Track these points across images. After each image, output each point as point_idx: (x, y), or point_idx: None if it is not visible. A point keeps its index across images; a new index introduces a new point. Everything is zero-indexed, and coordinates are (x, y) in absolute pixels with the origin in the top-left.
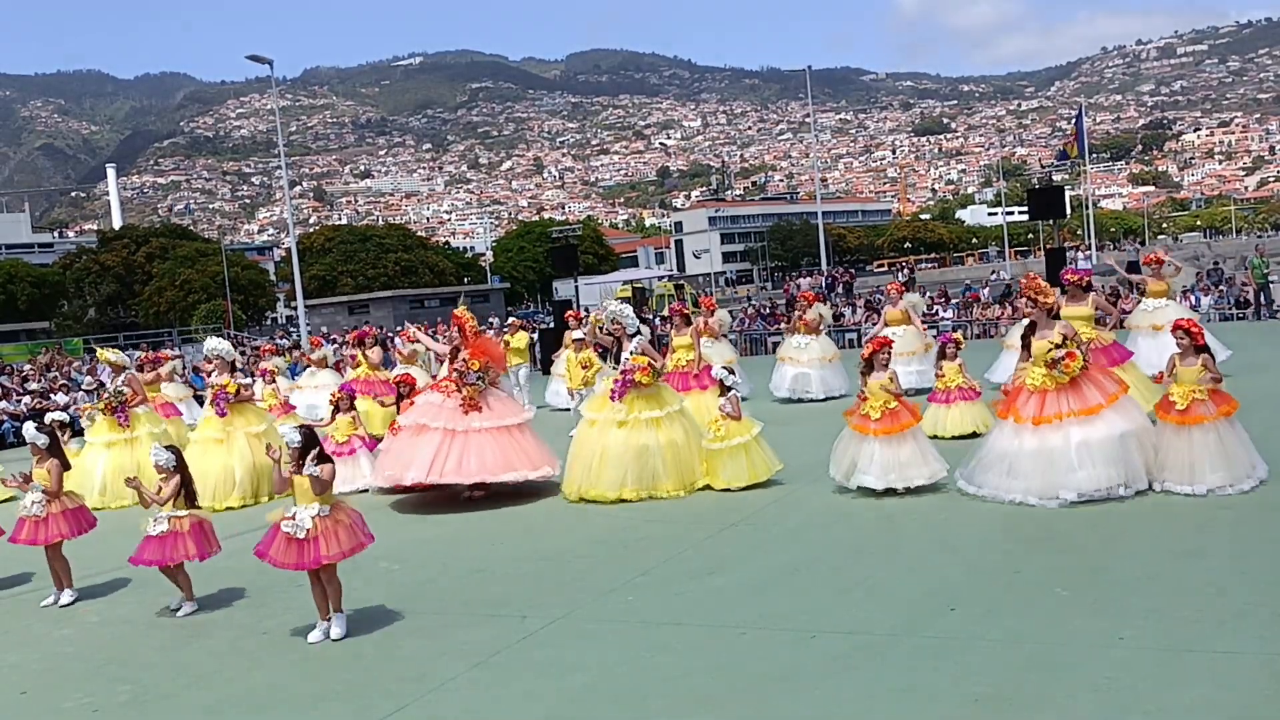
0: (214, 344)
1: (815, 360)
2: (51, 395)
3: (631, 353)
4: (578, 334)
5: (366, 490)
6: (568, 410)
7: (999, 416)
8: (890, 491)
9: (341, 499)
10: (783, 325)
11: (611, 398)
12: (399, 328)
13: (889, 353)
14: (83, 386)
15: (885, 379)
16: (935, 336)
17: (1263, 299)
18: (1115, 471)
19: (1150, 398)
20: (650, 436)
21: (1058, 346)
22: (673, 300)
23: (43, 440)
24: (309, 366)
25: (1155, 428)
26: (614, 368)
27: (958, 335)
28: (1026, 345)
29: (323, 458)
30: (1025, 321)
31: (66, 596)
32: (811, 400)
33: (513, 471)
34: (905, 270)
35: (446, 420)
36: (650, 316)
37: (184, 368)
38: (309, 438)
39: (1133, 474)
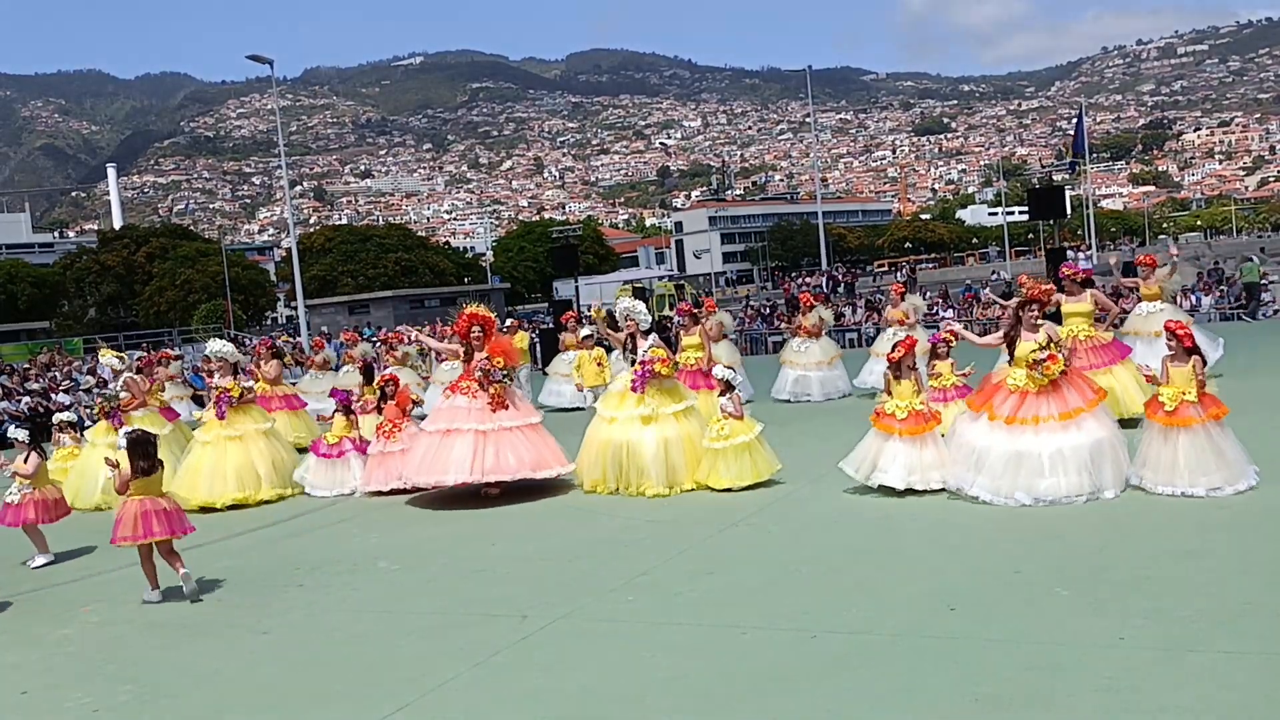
0: (217, 346)
1: (814, 364)
2: (52, 395)
3: (649, 347)
4: (586, 331)
5: (354, 493)
6: (570, 410)
7: (971, 409)
8: (910, 491)
9: (173, 497)
10: (782, 325)
11: (633, 389)
12: (373, 329)
13: (914, 355)
14: (81, 387)
15: (911, 381)
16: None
17: (1256, 298)
18: (1084, 480)
19: (1143, 398)
20: (672, 429)
21: (1041, 348)
22: (673, 300)
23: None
24: (311, 369)
25: (1142, 427)
26: (630, 363)
27: (951, 332)
28: (1011, 347)
29: (137, 457)
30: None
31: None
32: (812, 402)
33: (547, 469)
34: (905, 270)
35: (476, 421)
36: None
37: (183, 368)
38: (133, 442)
39: (1101, 482)
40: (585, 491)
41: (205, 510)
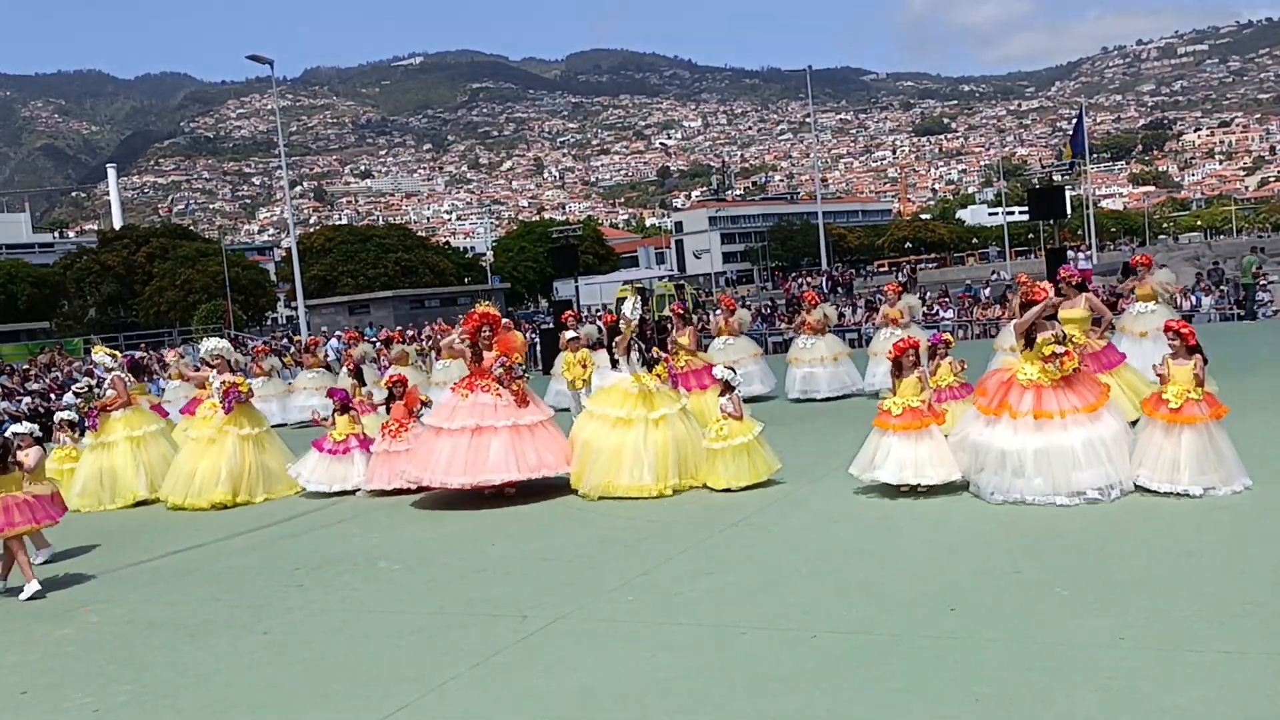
0: (212, 344)
1: (820, 359)
2: (53, 395)
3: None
4: (571, 334)
5: (357, 490)
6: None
7: (986, 413)
8: (910, 491)
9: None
10: (783, 325)
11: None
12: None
13: (916, 354)
14: (73, 388)
15: (914, 379)
16: (929, 337)
17: (1251, 298)
18: (1114, 470)
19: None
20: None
21: (1058, 342)
22: (674, 300)
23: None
24: (308, 367)
25: (1140, 425)
26: (642, 363)
27: (947, 335)
28: (1030, 344)
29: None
30: (1015, 323)
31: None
32: (821, 399)
33: (565, 465)
34: (906, 270)
35: (508, 417)
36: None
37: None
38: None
39: (1124, 475)
40: (651, 498)
41: (179, 509)
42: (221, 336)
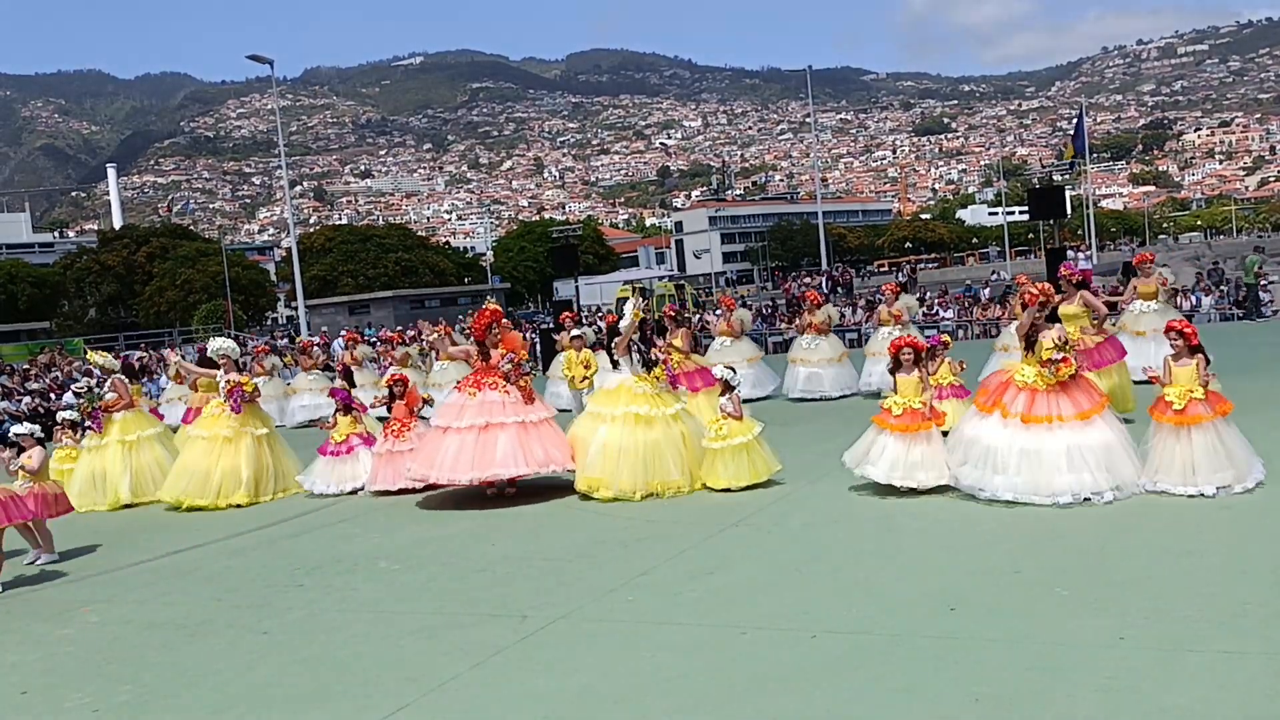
0: (218, 344)
1: (825, 360)
2: (53, 395)
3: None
4: (576, 332)
5: (361, 489)
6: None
7: (981, 410)
8: (891, 489)
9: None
10: (783, 325)
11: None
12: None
13: (914, 351)
14: (73, 388)
15: (914, 378)
16: (927, 337)
17: (1257, 298)
18: (1102, 477)
19: (1132, 400)
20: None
21: (1058, 348)
22: (673, 300)
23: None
24: (305, 370)
25: (1150, 429)
26: (644, 363)
27: (945, 337)
28: (1031, 346)
29: None
30: (1015, 324)
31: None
32: (826, 399)
33: (571, 462)
34: (906, 270)
35: (515, 414)
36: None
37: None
38: None
39: (1122, 480)
40: (688, 491)
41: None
42: (224, 337)
